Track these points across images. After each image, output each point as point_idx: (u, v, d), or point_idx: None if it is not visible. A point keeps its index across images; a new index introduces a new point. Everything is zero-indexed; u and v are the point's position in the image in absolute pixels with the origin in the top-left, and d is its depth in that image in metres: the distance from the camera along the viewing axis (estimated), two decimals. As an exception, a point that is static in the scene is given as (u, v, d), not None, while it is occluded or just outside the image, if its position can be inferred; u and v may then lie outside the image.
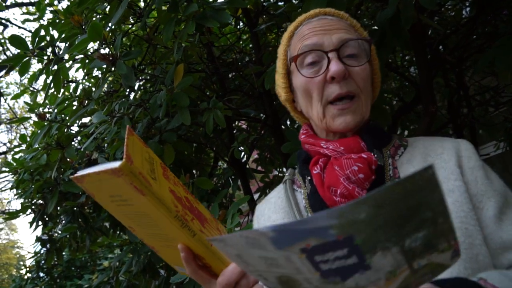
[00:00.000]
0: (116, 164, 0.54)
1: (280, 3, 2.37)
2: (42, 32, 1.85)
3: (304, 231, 0.38)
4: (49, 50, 1.60)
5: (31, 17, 2.81)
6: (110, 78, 1.88)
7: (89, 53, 1.57)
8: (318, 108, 0.82)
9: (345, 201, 0.75)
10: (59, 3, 2.50)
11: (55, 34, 1.96)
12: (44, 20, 2.68)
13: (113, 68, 1.46)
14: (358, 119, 0.80)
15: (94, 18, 1.77)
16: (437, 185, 0.37)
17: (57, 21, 2.50)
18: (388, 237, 0.39)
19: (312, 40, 0.82)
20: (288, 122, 3.01)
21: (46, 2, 2.56)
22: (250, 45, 2.93)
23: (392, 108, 2.44)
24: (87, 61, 1.87)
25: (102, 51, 1.44)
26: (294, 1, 1.93)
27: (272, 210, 0.92)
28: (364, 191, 0.76)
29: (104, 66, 1.39)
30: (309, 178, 0.86)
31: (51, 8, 2.67)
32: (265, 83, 1.49)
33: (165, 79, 1.49)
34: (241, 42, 2.86)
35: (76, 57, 1.76)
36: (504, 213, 0.75)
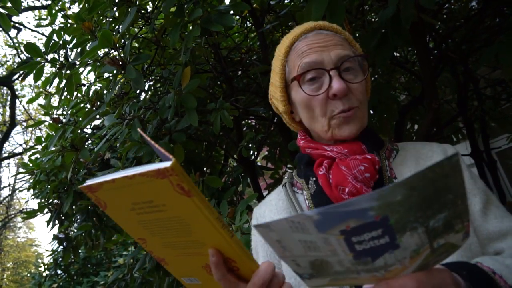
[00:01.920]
0: (155, 166, 0.50)
1: (286, 1, 2.40)
2: (55, 37, 1.92)
3: (346, 213, 0.43)
4: (62, 55, 1.65)
5: (43, 22, 2.88)
6: (121, 80, 1.93)
7: (100, 57, 1.62)
8: (323, 122, 0.86)
9: None
10: (70, 8, 2.55)
11: (67, 38, 2.02)
12: (56, 25, 2.75)
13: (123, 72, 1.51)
14: (359, 127, 0.85)
15: (104, 21, 1.82)
16: (460, 170, 0.42)
17: (68, 25, 2.57)
18: (416, 218, 0.43)
19: (311, 57, 0.85)
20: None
21: (57, 8, 2.63)
22: (258, 43, 2.96)
23: (399, 104, 2.44)
24: (98, 64, 1.93)
25: (112, 54, 1.49)
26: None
27: (274, 211, 0.95)
28: (369, 189, 0.80)
29: (114, 70, 1.44)
30: (314, 179, 0.89)
31: (63, 12, 2.74)
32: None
33: (173, 81, 1.53)
34: (248, 41, 2.89)
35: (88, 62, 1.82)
36: (488, 208, 0.82)
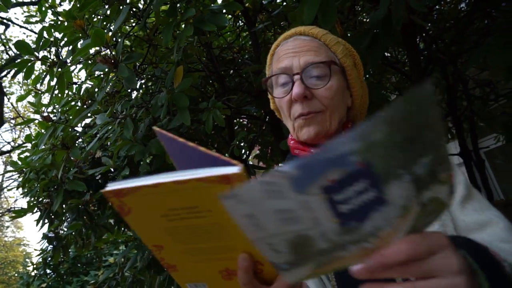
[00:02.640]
0: (217, 171, 0.47)
1: (278, 1, 2.41)
2: (45, 34, 1.90)
3: (325, 162, 0.38)
4: (53, 52, 1.64)
5: (33, 19, 2.85)
6: (113, 79, 1.92)
7: (92, 55, 1.61)
8: (289, 123, 0.92)
9: None
10: (61, 5, 2.53)
11: (57, 35, 2.00)
12: (46, 22, 2.72)
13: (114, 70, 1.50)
14: (320, 130, 0.87)
15: (95, 19, 1.81)
16: (435, 102, 0.37)
17: (59, 23, 2.55)
18: (400, 162, 0.39)
19: (283, 63, 0.89)
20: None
21: (47, 5, 2.61)
22: (250, 42, 2.96)
23: (390, 103, 2.46)
24: (89, 62, 1.92)
25: (103, 53, 1.48)
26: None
27: None
28: None
29: (106, 69, 1.43)
30: None
31: (53, 10, 2.71)
32: (263, 83, 1.52)
33: (166, 80, 1.53)
34: (240, 40, 2.90)
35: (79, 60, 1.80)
36: (467, 202, 0.83)
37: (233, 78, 2.72)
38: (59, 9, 2.68)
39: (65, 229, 3.37)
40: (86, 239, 3.31)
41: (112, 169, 2.63)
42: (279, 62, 0.91)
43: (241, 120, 3.32)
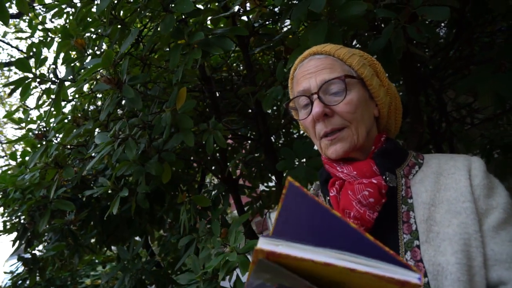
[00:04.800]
0: (401, 276, 0.50)
1: (268, 23, 2.47)
2: (31, 49, 1.87)
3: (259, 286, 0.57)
4: (50, 70, 1.62)
5: (23, 35, 2.81)
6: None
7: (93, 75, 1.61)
8: (316, 143, 0.94)
9: (358, 223, 0.82)
10: (52, 21, 2.51)
11: (45, 52, 1.98)
12: (35, 37, 2.69)
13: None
14: (347, 147, 0.88)
15: (93, 37, 1.81)
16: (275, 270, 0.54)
17: (49, 39, 2.52)
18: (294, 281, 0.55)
19: (302, 85, 0.92)
20: (276, 138, 3.09)
21: (39, 20, 2.58)
22: (237, 63, 3.01)
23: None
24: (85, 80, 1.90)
25: (107, 72, 1.48)
26: (286, 25, 2.02)
27: None
28: (375, 214, 0.82)
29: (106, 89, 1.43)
30: (328, 198, 0.94)
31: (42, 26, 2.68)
32: (263, 106, 1.56)
33: (169, 101, 1.54)
34: (230, 61, 2.93)
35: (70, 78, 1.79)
36: (503, 228, 0.77)
37: (226, 99, 2.74)
38: (50, 25, 2.65)
39: (42, 250, 3.25)
40: (66, 260, 3.20)
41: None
42: (298, 85, 0.93)
43: (229, 141, 3.33)
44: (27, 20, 2.70)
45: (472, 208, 0.78)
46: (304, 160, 1.80)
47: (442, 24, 2.60)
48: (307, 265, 0.53)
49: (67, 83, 1.65)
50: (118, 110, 2.40)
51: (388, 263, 0.51)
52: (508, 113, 3.22)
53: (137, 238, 3.32)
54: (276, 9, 2.20)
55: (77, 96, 2.35)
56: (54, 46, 2.10)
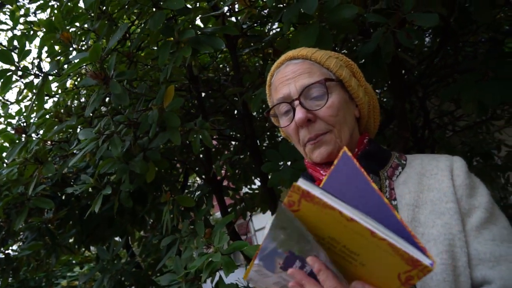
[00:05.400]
0: (416, 254, 0.52)
1: (256, 25, 2.46)
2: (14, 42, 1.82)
3: (270, 255, 0.63)
4: (34, 63, 1.58)
5: (3, 27, 2.73)
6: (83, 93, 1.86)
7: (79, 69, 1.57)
8: (300, 149, 0.93)
9: None
10: (35, 15, 2.45)
11: (27, 45, 1.93)
12: (17, 30, 2.61)
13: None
14: (331, 149, 0.87)
15: (79, 33, 1.77)
16: (292, 221, 0.58)
17: (31, 32, 2.46)
18: (302, 246, 0.60)
19: (281, 92, 0.90)
20: (261, 141, 3.09)
21: (21, 13, 2.51)
22: (225, 64, 3.00)
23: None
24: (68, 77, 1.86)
25: (94, 67, 1.45)
26: (275, 28, 2.02)
27: None
28: None
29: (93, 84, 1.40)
30: None
31: (25, 19, 2.61)
32: (251, 107, 1.55)
33: (156, 99, 1.51)
34: (217, 61, 2.92)
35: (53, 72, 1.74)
36: (485, 227, 0.78)
37: (208, 99, 2.72)
38: (33, 18, 2.59)
39: (17, 250, 3.15)
40: (42, 261, 3.11)
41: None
42: (277, 92, 0.92)
43: (214, 143, 3.31)
44: (7, 12, 2.63)
45: (455, 208, 0.79)
46: (290, 162, 1.80)
47: (427, 34, 2.66)
48: (331, 219, 0.55)
49: (51, 78, 1.60)
50: (102, 107, 2.36)
51: (408, 243, 0.53)
52: (487, 122, 3.31)
53: (117, 238, 3.26)
54: (264, 12, 2.20)
55: (60, 91, 2.30)
56: (37, 40, 2.05)
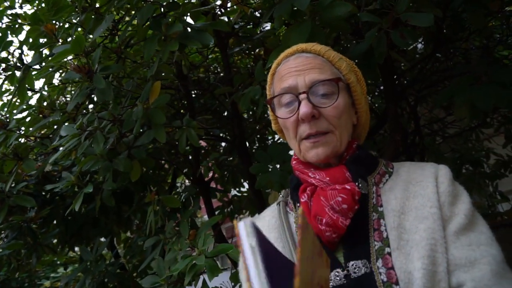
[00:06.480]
0: None
1: (249, 26, 2.44)
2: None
3: None
4: (16, 56, 1.52)
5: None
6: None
7: (62, 62, 1.52)
8: (295, 144, 0.89)
9: (330, 229, 0.80)
10: (21, 8, 2.39)
11: (13, 38, 1.87)
12: (2, 23, 2.55)
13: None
14: (329, 152, 0.85)
15: (66, 26, 1.72)
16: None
17: (17, 26, 2.39)
18: None
19: (287, 82, 0.87)
20: (250, 143, 3.05)
21: (6, 5, 2.45)
22: (215, 65, 2.97)
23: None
24: (51, 69, 1.80)
25: (78, 61, 1.40)
26: (266, 28, 1.99)
27: (266, 228, 0.94)
28: (348, 220, 0.80)
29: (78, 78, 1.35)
30: (298, 204, 0.90)
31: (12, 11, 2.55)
32: (240, 105, 1.51)
33: (141, 95, 1.47)
34: (207, 62, 2.88)
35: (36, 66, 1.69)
36: (463, 233, 0.77)
37: (201, 99, 2.68)
38: (19, 11, 2.53)
39: (-1, 249, 3.07)
40: (24, 260, 3.02)
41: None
42: (282, 81, 0.88)
43: (200, 142, 3.26)
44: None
45: (438, 214, 0.79)
46: (279, 164, 1.76)
47: (419, 40, 2.66)
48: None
49: (33, 71, 1.55)
50: (90, 105, 2.30)
51: None
52: (477, 129, 3.32)
53: (102, 239, 3.19)
54: (257, 13, 2.17)
55: (46, 87, 2.24)
56: (23, 34, 2.00)
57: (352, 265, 0.78)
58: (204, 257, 1.30)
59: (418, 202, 0.82)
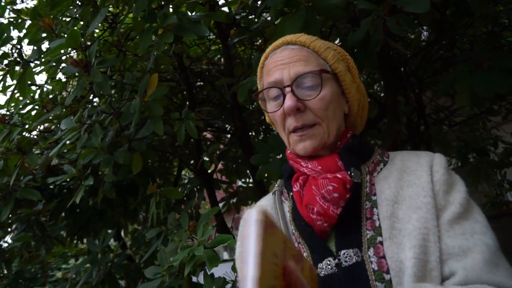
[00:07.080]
0: None
1: (250, 17, 2.42)
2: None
3: None
4: (15, 50, 1.53)
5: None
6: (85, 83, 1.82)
7: (60, 56, 1.52)
8: (284, 137, 0.90)
9: (321, 218, 0.80)
10: (23, 2, 2.40)
11: (16, 34, 1.88)
12: (4, 18, 2.57)
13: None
14: (317, 144, 0.85)
15: (63, 19, 1.72)
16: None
17: (19, 21, 2.41)
18: None
19: (273, 76, 0.87)
20: (255, 134, 3.05)
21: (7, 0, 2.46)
22: (219, 56, 2.95)
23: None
24: (53, 64, 1.81)
25: (75, 55, 1.41)
26: (268, 18, 1.97)
27: None
28: (339, 209, 0.80)
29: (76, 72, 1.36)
30: (291, 193, 0.90)
31: (13, 7, 2.56)
32: (238, 96, 1.51)
33: (139, 88, 1.47)
34: (210, 53, 2.87)
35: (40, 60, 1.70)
36: (457, 222, 0.77)
37: (200, 90, 2.68)
38: (21, 6, 2.54)
39: (9, 242, 3.13)
40: (34, 252, 3.08)
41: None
42: (269, 75, 0.88)
43: (204, 134, 3.27)
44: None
45: (432, 203, 0.78)
46: (280, 155, 1.76)
47: (424, 27, 2.62)
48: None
49: (33, 65, 1.56)
50: (96, 99, 2.32)
51: None
52: (483, 117, 3.27)
53: (110, 231, 3.23)
54: (258, 3, 2.15)
55: (49, 81, 2.25)
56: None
57: (344, 253, 0.78)
58: (203, 247, 1.31)
59: (412, 191, 0.81)
